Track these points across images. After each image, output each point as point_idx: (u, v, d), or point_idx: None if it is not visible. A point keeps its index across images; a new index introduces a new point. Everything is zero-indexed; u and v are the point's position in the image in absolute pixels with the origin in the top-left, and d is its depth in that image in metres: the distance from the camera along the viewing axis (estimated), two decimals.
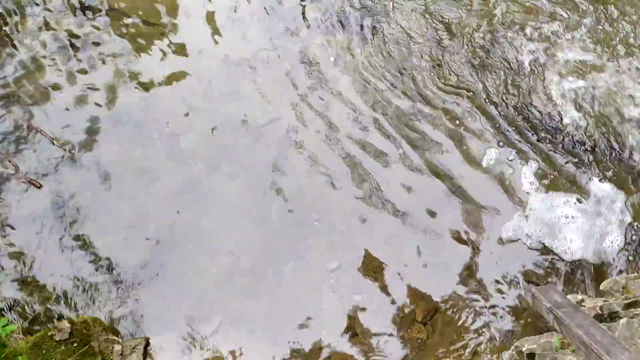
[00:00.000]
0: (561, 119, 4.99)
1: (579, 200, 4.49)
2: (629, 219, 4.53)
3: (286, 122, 5.31)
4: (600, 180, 4.67)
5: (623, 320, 3.46)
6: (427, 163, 4.90)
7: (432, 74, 5.48)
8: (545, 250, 4.35)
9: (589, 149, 4.84)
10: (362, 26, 5.80)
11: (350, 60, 5.66)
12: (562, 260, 4.33)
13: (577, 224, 4.38)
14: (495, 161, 4.82)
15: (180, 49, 5.68)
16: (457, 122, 5.13)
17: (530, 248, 4.36)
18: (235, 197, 4.89)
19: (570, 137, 4.91)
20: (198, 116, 5.38)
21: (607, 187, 4.64)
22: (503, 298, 4.21)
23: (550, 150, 4.89)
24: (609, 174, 4.75)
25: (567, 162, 4.80)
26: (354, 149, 5.06)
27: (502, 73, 5.38)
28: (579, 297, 3.87)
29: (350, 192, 4.81)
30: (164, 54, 5.64)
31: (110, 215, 4.76)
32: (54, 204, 4.81)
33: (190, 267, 4.49)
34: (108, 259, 4.53)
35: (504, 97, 5.24)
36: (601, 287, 4.06)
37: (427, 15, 5.82)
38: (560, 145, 4.90)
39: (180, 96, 5.50)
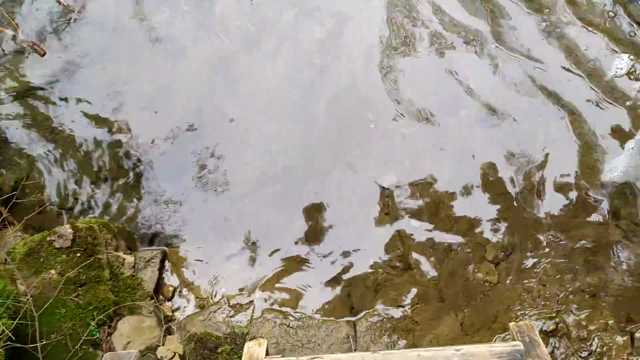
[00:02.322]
0: None
1: None
2: None
3: None
4: None
5: None
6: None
7: None
8: None
9: None
10: None
11: None
12: None
13: None
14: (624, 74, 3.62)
15: None
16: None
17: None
18: (276, 82, 4.00)
19: None
20: None
21: None
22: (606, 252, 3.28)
23: None
24: None
25: None
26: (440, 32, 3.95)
27: None
28: None
29: (422, 88, 3.80)
30: None
31: (127, 93, 4.00)
32: (64, 71, 4.09)
33: (217, 166, 3.76)
34: (121, 144, 3.86)
35: None
36: None
37: None
38: None
39: None
